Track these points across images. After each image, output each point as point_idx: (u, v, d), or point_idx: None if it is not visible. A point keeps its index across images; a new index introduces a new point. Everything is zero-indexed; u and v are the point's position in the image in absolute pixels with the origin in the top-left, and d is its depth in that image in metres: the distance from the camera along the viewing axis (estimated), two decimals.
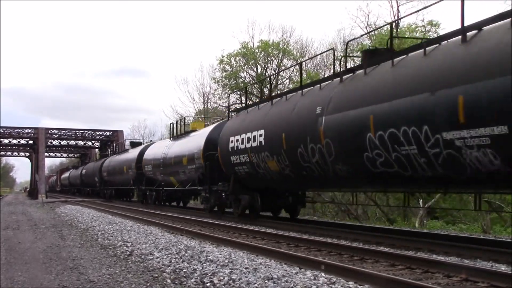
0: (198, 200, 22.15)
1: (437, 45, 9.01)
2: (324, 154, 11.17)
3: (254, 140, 14.36)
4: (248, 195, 15.88)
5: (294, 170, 12.68)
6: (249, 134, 14.70)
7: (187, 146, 21.07)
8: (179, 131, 24.51)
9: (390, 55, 10.09)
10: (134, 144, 36.60)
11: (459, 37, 8.41)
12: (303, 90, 13.04)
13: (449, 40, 8.81)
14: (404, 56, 9.73)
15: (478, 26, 8.22)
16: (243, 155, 14.99)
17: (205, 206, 19.25)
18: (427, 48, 9.08)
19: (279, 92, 16.38)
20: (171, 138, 25.46)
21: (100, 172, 38.38)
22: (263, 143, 13.82)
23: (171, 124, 26.93)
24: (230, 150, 15.79)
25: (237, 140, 15.42)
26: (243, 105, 19.42)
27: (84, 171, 48.25)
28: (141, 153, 28.73)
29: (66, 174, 64.45)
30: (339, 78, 11.48)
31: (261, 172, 14.41)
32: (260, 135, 14.03)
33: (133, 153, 31.15)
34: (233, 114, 18.38)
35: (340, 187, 13.26)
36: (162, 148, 24.78)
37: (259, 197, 15.80)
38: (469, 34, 8.26)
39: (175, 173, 22.28)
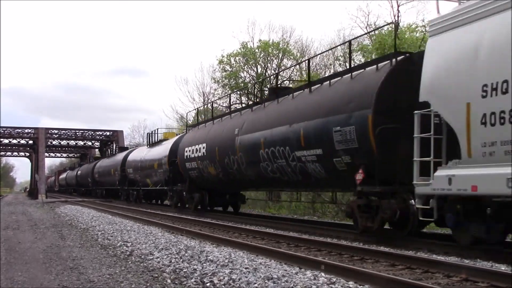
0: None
1: (302, 91, 13.72)
2: (239, 163, 15.71)
3: (199, 151, 18.68)
4: (198, 193, 20.13)
5: (224, 175, 17.23)
6: (196, 146, 19.05)
7: (157, 153, 25.51)
8: (154, 139, 29.09)
9: (275, 95, 14.92)
10: (121, 149, 41.87)
11: (315, 86, 13.12)
12: (232, 114, 17.81)
13: (312, 87, 13.14)
14: (286, 96, 14.32)
15: (323, 80, 13.17)
16: (193, 162, 19.28)
17: (171, 203, 24.05)
18: (295, 93, 13.88)
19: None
20: (148, 146, 29.86)
21: (92, 173, 42.34)
22: (205, 154, 18.17)
23: (148, 134, 32.09)
24: (185, 158, 20.14)
25: (190, 150, 19.74)
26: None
27: (79, 172, 52.50)
28: (125, 158, 32.67)
29: (63, 175, 68.09)
30: (250, 108, 16.44)
31: (205, 176, 18.76)
32: (203, 147, 18.35)
33: (119, 157, 35.13)
34: (190, 129, 23.01)
35: (251, 187, 19.00)
36: (141, 154, 29.21)
37: (207, 195, 20.08)
38: (315, 87, 13.07)
39: (149, 175, 26.54)
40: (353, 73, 11.49)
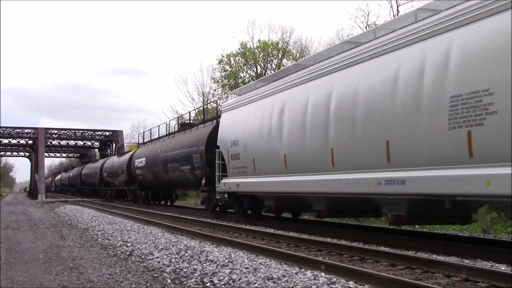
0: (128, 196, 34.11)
1: (190, 129, 22.64)
2: (160, 172, 24.36)
3: (142, 162, 27.57)
4: (144, 191, 29.49)
5: (155, 179, 26.18)
6: (141, 159, 28.00)
7: (122, 162, 33.95)
8: (122, 151, 40.56)
9: (181, 128, 24.66)
10: (102, 156, 53.24)
11: (194, 127, 22.66)
12: (160, 139, 27.77)
13: (192, 128, 22.64)
14: (185, 130, 23.29)
15: (200, 124, 21.84)
16: (140, 169, 28.27)
17: (129, 198, 33.13)
18: (189, 129, 22.76)
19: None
20: (117, 155, 39.60)
21: (80, 176, 50.40)
22: (145, 164, 27.12)
23: (118, 146, 42.79)
24: (135, 166, 29.07)
25: (138, 161, 28.61)
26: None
27: (71, 174, 60.51)
28: (103, 164, 40.46)
29: (58, 177, 74.70)
30: (168, 136, 26.17)
31: (146, 179, 27.72)
32: (144, 160, 27.30)
33: (99, 163, 43.30)
34: (140, 146, 33.55)
35: (167, 188, 27.77)
36: (113, 161, 37.72)
37: (150, 193, 29.38)
38: (194, 128, 22.43)
39: (116, 177, 35.12)
40: (205, 124, 21.11)
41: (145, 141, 33.59)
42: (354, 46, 10.62)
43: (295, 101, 12.24)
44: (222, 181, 16.07)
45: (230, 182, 15.55)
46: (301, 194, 12.07)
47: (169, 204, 30.29)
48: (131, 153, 32.76)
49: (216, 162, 16.47)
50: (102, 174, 39.12)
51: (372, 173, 9.36)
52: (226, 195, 16.15)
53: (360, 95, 9.77)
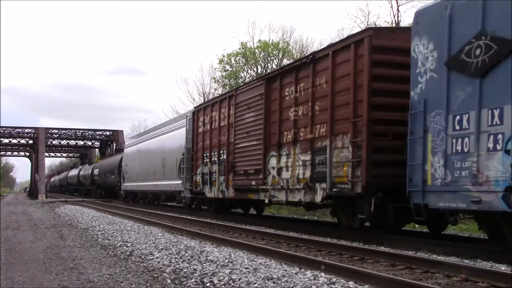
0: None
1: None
2: (103, 177, 41.77)
3: (97, 171, 44.34)
4: (99, 190, 44.98)
5: (102, 182, 42.89)
6: (96, 169, 44.94)
7: (89, 170, 49.15)
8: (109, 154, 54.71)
9: (108, 155, 49.59)
10: (102, 155, 60.34)
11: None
12: (105, 158, 49.20)
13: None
14: (111, 156, 46.08)
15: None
16: (96, 176, 44.29)
17: (92, 194, 47.88)
18: (111, 156, 47.18)
19: None
20: (88, 164, 55.68)
21: (66, 179, 65.93)
22: (98, 173, 43.76)
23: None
24: (95, 173, 45.23)
25: (96, 171, 45.08)
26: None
27: (60, 177, 75.27)
28: (79, 170, 56.32)
29: (53, 179, 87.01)
30: (106, 158, 49.53)
31: (99, 182, 43.67)
32: (98, 170, 44.27)
33: (78, 170, 57.52)
34: (98, 160, 52.85)
35: (107, 186, 42.19)
36: (85, 169, 53.14)
37: (103, 191, 43.58)
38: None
39: (86, 180, 50.36)
40: (121, 152, 37.48)
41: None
42: (158, 129, 27.75)
43: (142, 147, 29.98)
44: (123, 184, 33.89)
45: (125, 185, 33.43)
46: (143, 190, 29.46)
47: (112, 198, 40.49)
48: (94, 164, 49.88)
49: (122, 174, 34.45)
50: (79, 177, 55.59)
51: (154, 182, 26.33)
52: (123, 191, 34.35)
53: (161, 147, 25.70)
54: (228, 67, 36.12)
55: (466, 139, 8.00)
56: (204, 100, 37.34)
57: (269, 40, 35.45)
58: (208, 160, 17.79)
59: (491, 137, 7.60)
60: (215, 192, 17.16)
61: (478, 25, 7.92)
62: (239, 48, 35.77)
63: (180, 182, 20.89)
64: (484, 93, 7.78)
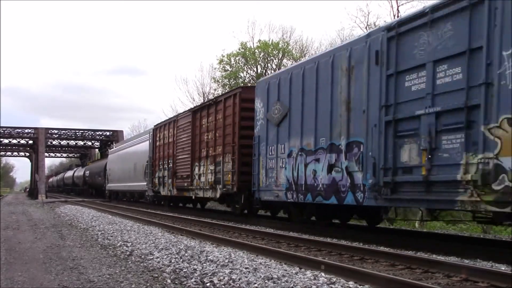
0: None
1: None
2: (93, 178, 46.42)
3: (88, 173, 49.53)
4: (90, 189, 50.64)
5: (92, 182, 47.52)
6: (87, 171, 50.12)
7: (82, 172, 54.30)
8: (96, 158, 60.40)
9: (95, 160, 56.91)
10: (102, 156, 62.18)
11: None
12: (94, 162, 52.45)
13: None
14: (98, 160, 52.05)
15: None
16: (87, 177, 49.38)
17: (84, 192, 52.75)
18: (98, 161, 52.17)
19: None
20: (82, 167, 59.77)
21: (63, 180, 70.93)
22: (89, 174, 48.79)
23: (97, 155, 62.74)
24: (86, 175, 50.58)
25: (87, 173, 49.99)
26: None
27: (58, 177, 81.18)
28: (74, 172, 61.58)
29: (51, 179, 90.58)
30: (94, 161, 53.38)
31: (90, 182, 48.50)
32: (89, 172, 49.16)
33: (73, 171, 63.15)
34: (89, 163, 56.14)
35: (97, 186, 46.57)
36: (79, 171, 58.21)
37: (94, 190, 49.30)
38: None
39: (80, 180, 55.47)
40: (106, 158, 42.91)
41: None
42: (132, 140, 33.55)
43: (120, 154, 34.57)
44: (107, 185, 38.55)
45: (108, 185, 38.38)
46: (122, 190, 34.31)
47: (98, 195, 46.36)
48: (86, 167, 54.48)
49: (106, 176, 39.21)
50: (73, 178, 60.26)
51: (129, 183, 31.56)
52: (108, 191, 39.37)
53: (133, 155, 30.55)
54: (228, 67, 36.12)
55: (273, 160, 13.50)
56: (203, 101, 37.43)
57: (269, 40, 35.45)
58: (162, 167, 23.59)
59: (281, 160, 13.11)
60: (166, 191, 22.92)
61: (276, 95, 13.36)
62: (239, 48, 35.78)
63: (145, 183, 26.75)
64: (279, 135, 13.24)
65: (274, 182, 13.33)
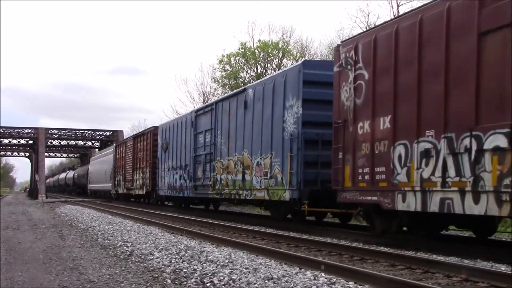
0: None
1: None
2: (80, 179, 55.83)
3: (76, 175, 59.90)
4: (78, 189, 58.86)
5: (80, 183, 56.64)
6: (76, 173, 60.00)
7: (72, 174, 64.54)
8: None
9: (81, 164, 66.16)
10: (69, 168, 78.08)
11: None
12: (82, 166, 60.62)
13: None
14: (83, 165, 60.84)
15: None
16: (76, 178, 59.16)
17: (73, 191, 63.38)
18: (83, 165, 61.19)
19: None
20: (73, 170, 66.86)
21: (58, 181, 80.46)
22: (77, 176, 59.04)
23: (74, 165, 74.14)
24: (74, 176, 60.51)
25: (76, 175, 60.34)
26: None
27: (54, 178, 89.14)
28: (66, 174, 70.81)
29: (48, 180, 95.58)
30: (82, 166, 62.11)
31: (78, 182, 57.87)
32: (77, 174, 60.07)
33: (66, 174, 72.36)
34: (77, 167, 67.19)
35: (81, 186, 57.00)
36: (71, 173, 65.41)
37: (82, 190, 55.73)
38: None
39: (70, 181, 64.28)
40: (88, 163, 53.64)
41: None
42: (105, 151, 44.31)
43: (98, 161, 44.88)
44: (89, 186, 48.05)
45: (90, 186, 47.98)
46: (98, 189, 44.20)
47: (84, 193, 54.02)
48: (75, 170, 63.29)
49: (88, 178, 48.38)
50: (66, 180, 69.53)
51: (102, 184, 41.62)
52: (89, 190, 48.45)
53: (104, 163, 40.60)
54: (228, 67, 36.13)
55: (163, 172, 23.98)
56: (203, 101, 37.48)
57: (269, 40, 35.46)
58: (119, 173, 34.11)
59: (165, 172, 23.61)
60: (121, 190, 33.59)
61: (165, 135, 23.65)
62: (239, 48, 35.78)
63: (111, 184, 37.04)
64: (165, 157, 23.41)
65: (163, 184, 23.67)
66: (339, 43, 11.40)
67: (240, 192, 15.55)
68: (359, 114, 10.19)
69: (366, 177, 9.83)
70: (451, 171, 7.97)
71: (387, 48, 9.52)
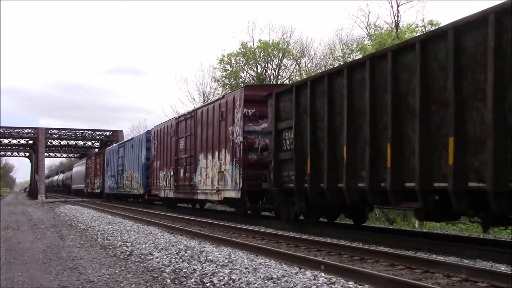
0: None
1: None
2: (68, 181, 66.64)
3: (65, 178, 70.88)
4: (67, 189, 66.31)
5: (68, 184, 66.50)
6: (65, 176, 72.21)
7: (61, 177, 78.00)
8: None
9: (70, 167, 76.91)
10: (61, 171, 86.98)
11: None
12: (71, 169, 68.25)
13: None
14: (71, 169, 70.17)
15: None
16: (66, 180, 69.42)
17: (63, 192, 71.03)
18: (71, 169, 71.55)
19: None
20: (62, 173, 79.88)
21: (52, 182, 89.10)
22: (65, 178, 72.16)
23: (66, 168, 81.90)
24: (63, 178, 73.14)
25: (65, 178, 71.14)
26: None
27: (49, 180, 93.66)
28: (58, 176, 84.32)
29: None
30: (71, 169, 70.08)
31: (67, 184, 67.41)
32: (65, 176, 72.94)
33: (58, 176, 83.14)
34: (66, 170, 77.35)
35: (69, 186, 68.70)
36: (62, 175, 77.91)
37: (69, 190, 65.96)
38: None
39: (61, 182, 75.92)
40: (72, 168, 66.75)
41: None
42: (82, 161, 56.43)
43: (78, 167, 57.85)
44: (72, 186, 59.80)
45: (73, 186, 59.82)
46: (78, 189, 55.22)
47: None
48: (65, 173, 73.64)
49: (71, 180, 61.13)
50: (57, 181, 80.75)
51: (80, 185, 53.93)
52: (73, 190, 59.99)
53: (82, 169, 53.80)
54: (228, 67, 36.13)
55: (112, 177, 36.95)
56: (203, 101, 37.49)
57: (269, 40, 35.47)
58: (88, 178, 46.97)
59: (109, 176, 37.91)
60: (90, 190, 45.51)
61: (107, 157, 39.01)
62: (239, 48, 35.79)
63: (84, 185, 49.71)
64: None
65: (107, 186, 37.08)
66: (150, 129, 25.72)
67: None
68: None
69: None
70: None
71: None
